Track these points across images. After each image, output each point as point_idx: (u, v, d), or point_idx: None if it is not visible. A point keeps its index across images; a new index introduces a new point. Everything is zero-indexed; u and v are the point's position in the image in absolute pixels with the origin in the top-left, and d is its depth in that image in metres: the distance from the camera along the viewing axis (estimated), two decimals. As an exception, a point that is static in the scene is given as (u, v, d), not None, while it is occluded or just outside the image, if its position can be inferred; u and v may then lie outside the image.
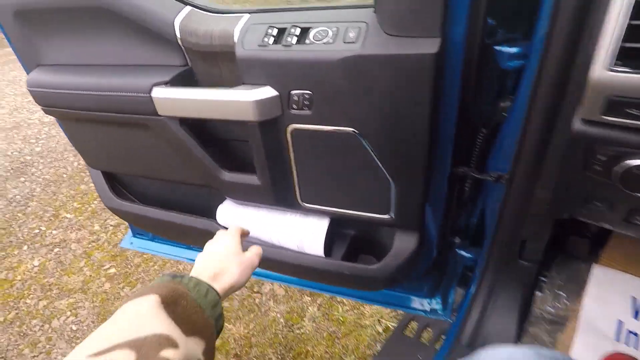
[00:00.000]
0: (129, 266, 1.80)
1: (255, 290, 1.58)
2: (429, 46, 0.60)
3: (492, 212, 0.93)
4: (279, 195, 0.91)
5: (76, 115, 0.99)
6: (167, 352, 0.37)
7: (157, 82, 0.82)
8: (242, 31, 0.74)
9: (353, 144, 0.74)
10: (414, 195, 0.79)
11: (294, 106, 0.73)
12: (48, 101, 1.00)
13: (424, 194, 0.80)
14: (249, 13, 0.78)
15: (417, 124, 0.68)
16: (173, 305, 0.43)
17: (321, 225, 0.95)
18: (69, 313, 1.62)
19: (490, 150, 0.88)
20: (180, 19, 0.78)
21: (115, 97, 0.88)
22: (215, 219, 1.07)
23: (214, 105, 0.79)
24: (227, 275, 0.56)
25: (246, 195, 0.97)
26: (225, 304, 1.51)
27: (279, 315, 1.47)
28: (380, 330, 1.38)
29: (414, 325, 1.24)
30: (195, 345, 0.42)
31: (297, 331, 1.42)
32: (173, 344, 0.38)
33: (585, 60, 0.54)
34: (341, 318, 1.43)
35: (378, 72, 0.64)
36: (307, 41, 0.68)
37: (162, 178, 1.09)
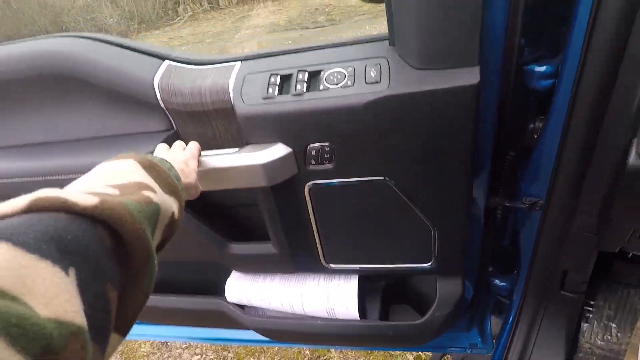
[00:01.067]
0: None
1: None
2: (469, 77, 0.53)
3: (526, 239, 0.86)
4: (299, 260, 0.83)
5: None
6: (147, 193, 0.40)
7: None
8: (238, 83, 0.65)
9: (384, 192, 0.67)
10: (458, 236, 0.72)
11: (312, 161, 0.66)
12: None
13: (467, 234, 0.73)
14: (239, 61, 0.69)
15: (458, 160, 0.61)
16: (149, 168, 0.46)
17: (351, 286, 0.86)
18: None
19: (519, 175, 0.81)
20: (159, 77, 0.68)
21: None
22: (222, 296, 0.96)
23: (215, 174, 0.67)
24: (186, 179, 0.57)
25: (259, 266, 0.88)
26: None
27: (304, 347, 1.42)
28: (411, 359, 1.32)
29: (448, 358, 1.16)
30: (171, 202, 0.45)
31: (324, 362, 1.37)
32: (152, 190, 0.41)
33: (630, 84, 0.47)
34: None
35: (411, 112, 0.57)
36: (320, 86, 0.60)
37: None
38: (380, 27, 5.32)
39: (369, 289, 0.91)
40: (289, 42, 5.75)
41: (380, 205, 0.69)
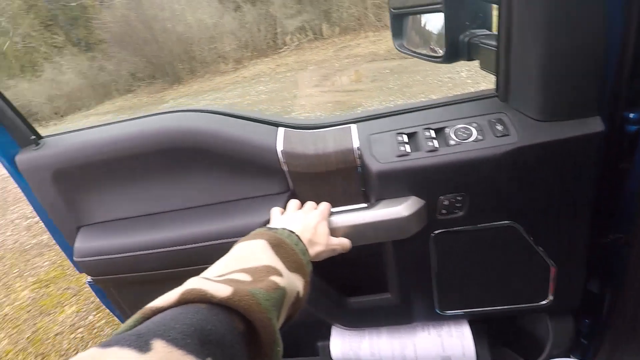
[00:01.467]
0: None
1: None
2: (594, 125, 0.58)
3: (609, 277, 0.84)
4: (416, 309, 0.82)
5: (149, 278, 0.83)
6: (275, 278, 0.43)
7: (269, 219, 0.71)
8: (364, 144, 0.69)
9: (509, 236, 0.70)
10: (577, 273, 0.74)
11: (443, 211, 0.68)
12: (104, 270, 0.84)
13: (585, 270, 0.75)
14: (352, 123, 0.73)
15: (581, 201, 0.65)
16: (277, 247, 0.50)
17: (464, 331, 0.85)
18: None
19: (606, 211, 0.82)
20: (281, 143, 0.71)
21: (216, 246, 0.74)
22: (325, 355, 0.94)
23: (347, 232, 0.69)
24: (315, 247, 0.60)
25: (374, 319, 0.87)
26: None
27: None
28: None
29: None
30: (297, 280, 0.48)
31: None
32: (279, 274, 0.45)
33: None
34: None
35: (540, 161, 0.61)
36: (451, 142, 0.64)
37: None
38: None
39: (476, 332, 0.89)
40: (387, 70, 5.96)
41: (504, 247, 0.71)
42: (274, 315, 0.39)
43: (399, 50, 0.82)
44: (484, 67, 0.67)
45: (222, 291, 0.36)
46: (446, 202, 0.67)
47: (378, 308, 0.83)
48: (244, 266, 0.45)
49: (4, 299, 2.55)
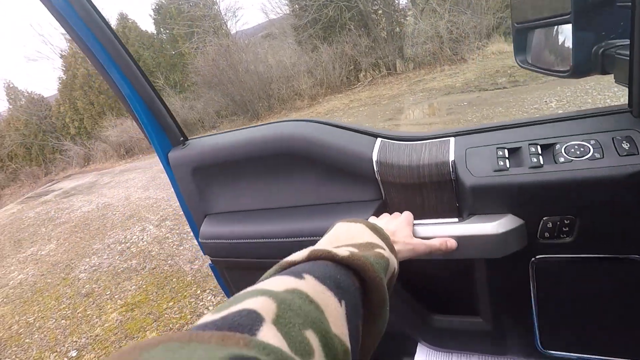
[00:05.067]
0: None
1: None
2: None
3: None
4: (510, 340, 0.77)
5: (253, 265, 0.93)
6: (378, 250, 0.48)
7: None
8: (460, 157, 0.67)
9: (634, 272, 0.61)
10: None
11: (546, 234, 0.62)
12: (220, 252, 0.97)
13: None
14: (452, 136, 0.72)
15: None
16: (375, 230, 0.54)
17: None
18: None
19: None
20: (377, 153, 0.74)
21: (308, 242, 0.79)
22: None
23: None
24: (397, 245, 0.60)
25: (462, 343, 0.83)
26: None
27: None
28: None
29: None
30: (394, 259, 0.51)
31: None
32: (382, 248, 0.49)
33: None
34: None
35: None
36: (561, 159, 0.59)
37: None
38: (576, 86, 4.78)
39: None
40: (465, 103, 5.72)
41: (626, 286, 0.63)
42: (384, 277, 0.43)
43: (521, 67, 0.78)
44: (619, 80, 0.60)
45: (341, 252, 0.41)
46: (550, 225, 0.61)
47: (467, 331, 0.80)
48: (350, 242, 0.49)
49: (97, 320, 2.77)
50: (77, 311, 2.98)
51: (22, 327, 2.99)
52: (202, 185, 0.97)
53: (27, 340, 2.77)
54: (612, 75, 0.62)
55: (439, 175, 0.68)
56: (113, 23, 13.80)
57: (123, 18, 13.70)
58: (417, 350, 0.93)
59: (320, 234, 0.68)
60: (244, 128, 0.93)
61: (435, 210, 0.73)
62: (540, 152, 0.61)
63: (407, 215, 0.69)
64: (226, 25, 13.09)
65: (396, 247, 0.58)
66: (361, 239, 0.51)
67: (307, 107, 9.55)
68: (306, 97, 9.99)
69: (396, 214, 0.72)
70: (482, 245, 0.63)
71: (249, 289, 0.33)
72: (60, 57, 15.16)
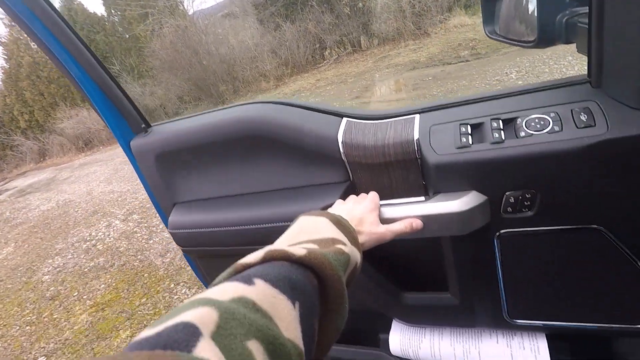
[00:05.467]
0: None
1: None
2: None
3: None
4: (479, 313, 0.78)
5: (224, 252, 0.92)
6: (339, 246, 0.47)
7: (326, 205, 0.72)
8: (424, 134, 0.66)
9: (596, 242, 0.61)
10: None
11: (509, 209, 0.63)
12: (190, 242, 0.95)
13: None
14: (417, 113, 0.71)
15: None
16: (337, 224, 0.53)
17: (540, 346, 0.77)
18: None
19: None
20: (342, 133, 0.72)
21: (277, 228, 0.79)
22: (382, 347, 0.95)
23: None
24: (360, 236, 0.59)
25: (433, 318, 0.85)
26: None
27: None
28: None
29: None
30: (357, 253, 0.51)
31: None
32: (343, 243, 0.49)
33: None
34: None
35: (636, 155, 0.53)
36: (522, 133, 0.58)
37: None
38: (534, 56, 4.91)
39: (555, 349, 0.80)
40: (430, 78, 5.77)
41: (588, 255, 0.63)
42: (342, 275, 0.43)
43: (489, 37, 0.77)
44: (581, 50, 0.59)
45: (298, 251, 0.41)
46: (512, 200, 0.62)
47: (438, 307, 0.81)
48: (311, 237, 0.49)
49: (65, 323, 2.65)
50: (43, 315, 2.83)
51: (-17, 338, 2.82)
52: (168, 173, 0.94)
53: (-11, 351, 2.62)
54: (576, 45, 0.61)
55: (404, 154, 0.68)
56: (57, 5, 12.77)
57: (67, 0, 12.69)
58: (392, 326, 0.95)
59: (290, 219, 0.66)
60: (207, 112, 0.90)
61: (402, 189, 0.73)
62: (502, 127, 0.60)
63: (373, 197, 0.68)
64: (182, 5, 12.40)
65: (361, 238, 0.58)
66: (323, 234, 0.50)
67: (274, 88, 9.33)
68: (272, 77, 9.75)
69: (362, 195, 0.70)
70: (447, 223, 0.63)
71: (193, 298, 0.32)
72: (0, 44, 13.91)
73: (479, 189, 0.62)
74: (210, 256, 0.98)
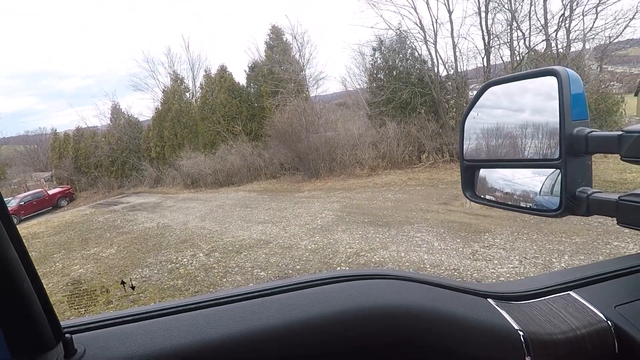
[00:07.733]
0: None
1: None
2: None
3: None
4: None
5: None
6: None
7: None
8: (618, 319, 0.52)
9: None
10: None
11: None
12: None
13: None
14: (570, 290, 0.58)
15: None
16: None
17: None
18: None
19: None
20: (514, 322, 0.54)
21: None
22: None
23: None
24: None
25: None
26: None
27: None
28: None
29: None
30: None
31: None
32: None
33: None
34: None
35: None
36: None
37: None
38: None
39: None
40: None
41: None
42: None
43: (475, 202, 0.70)
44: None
45: None
46: None
47: None
48: None
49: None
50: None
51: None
52: None
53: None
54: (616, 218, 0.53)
55: (602, 346, 0.52)
56: (214, 72, 15.89)
57: (223, 69, 15.69)
58: None
59: None
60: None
61: None
62: None
63: None
64: (307, 90, 14.41)
65: None
66: None
67: (366, 176, 9.88)
68: (366, 166, 10.39)
69: None
70: None
71: None
72: (162, 92, 17.54)
73: None
74: None
